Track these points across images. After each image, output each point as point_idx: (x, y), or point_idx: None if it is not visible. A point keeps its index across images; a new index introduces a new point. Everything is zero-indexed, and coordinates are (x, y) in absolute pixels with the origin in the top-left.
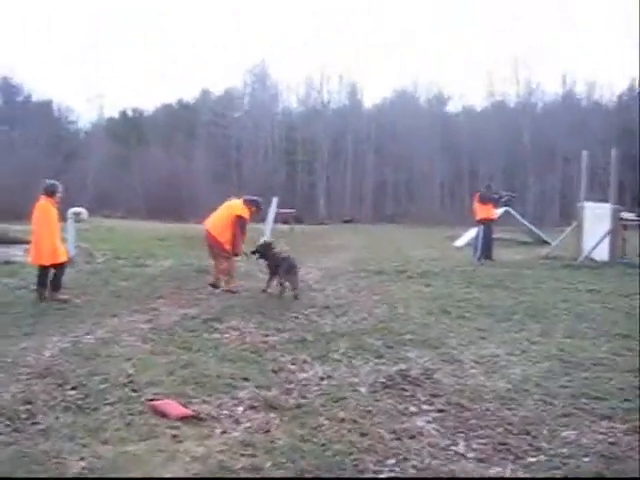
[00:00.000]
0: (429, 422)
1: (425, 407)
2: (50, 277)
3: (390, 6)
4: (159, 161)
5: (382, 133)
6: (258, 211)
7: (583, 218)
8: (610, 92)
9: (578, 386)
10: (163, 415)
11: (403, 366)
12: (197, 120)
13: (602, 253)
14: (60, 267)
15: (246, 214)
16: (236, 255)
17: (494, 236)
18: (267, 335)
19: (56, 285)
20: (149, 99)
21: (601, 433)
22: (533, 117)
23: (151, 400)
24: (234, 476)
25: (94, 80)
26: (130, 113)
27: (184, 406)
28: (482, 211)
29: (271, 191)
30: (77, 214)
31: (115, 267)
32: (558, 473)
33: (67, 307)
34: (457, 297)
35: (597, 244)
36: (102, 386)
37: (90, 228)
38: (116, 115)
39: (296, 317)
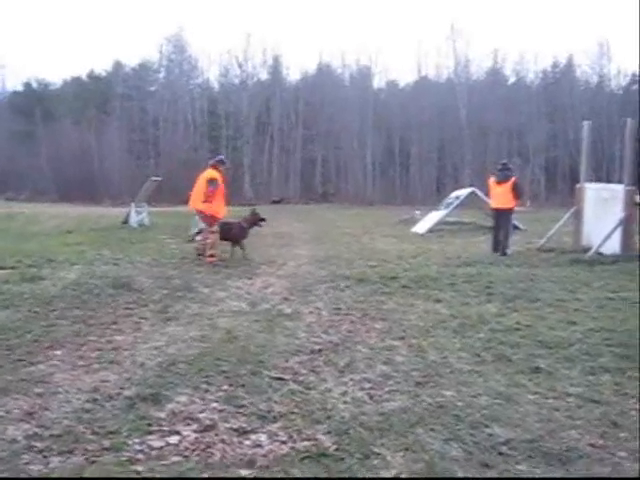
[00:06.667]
0: None
1: None
2: None
3: None
4: (69, 137)
5: (309, 108)
6: (225, 168)
7: (584, 202)
8: (536, 68)
9: None
10: None
11: None
12: (110, 94)
13: (611, 245)
14: None
15: (215, 175)
16: (215, 219)
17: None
18: (246, 433)
19: None
20: (56, 71)
21: None
22: (467, 92)
23: None
24: None
25: None
26: (35, 85)
27: None
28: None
29: (195, 169)
30: None
31: None
32: None
33: None
34: (492, 324)
35: (610, 234)
36: None
37: None
38: (20, 88)
39: (280, 378)
